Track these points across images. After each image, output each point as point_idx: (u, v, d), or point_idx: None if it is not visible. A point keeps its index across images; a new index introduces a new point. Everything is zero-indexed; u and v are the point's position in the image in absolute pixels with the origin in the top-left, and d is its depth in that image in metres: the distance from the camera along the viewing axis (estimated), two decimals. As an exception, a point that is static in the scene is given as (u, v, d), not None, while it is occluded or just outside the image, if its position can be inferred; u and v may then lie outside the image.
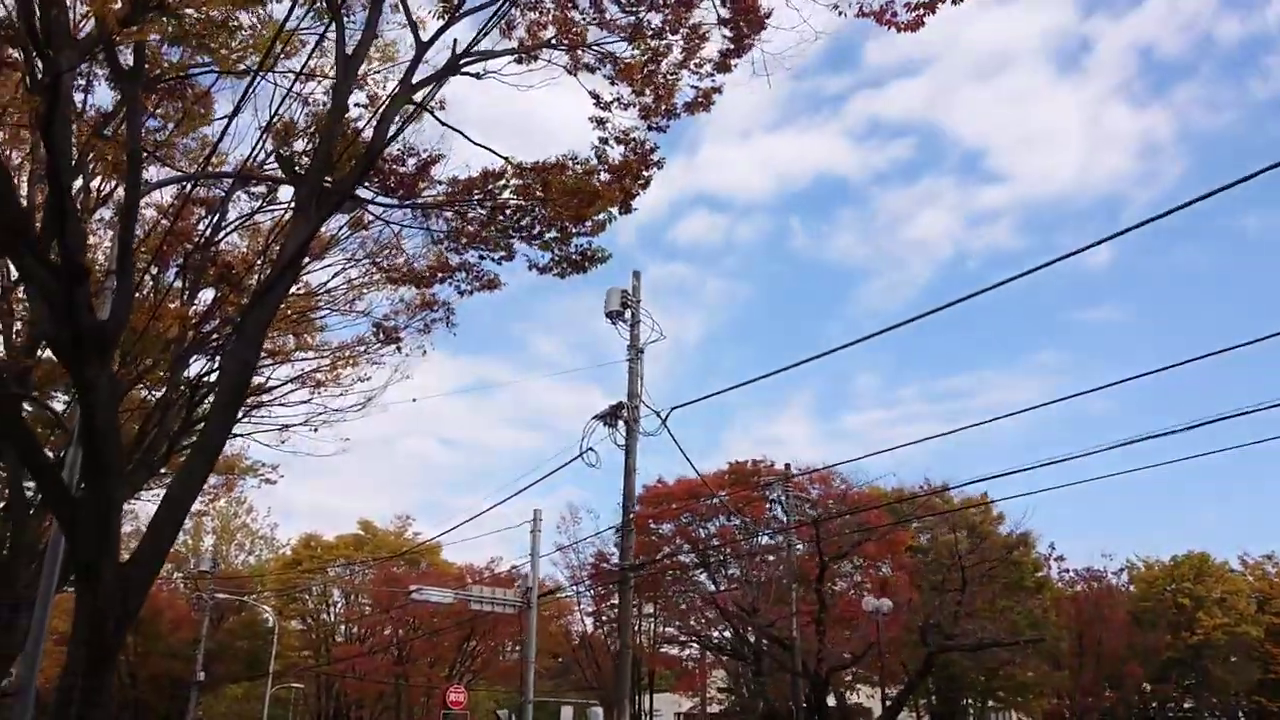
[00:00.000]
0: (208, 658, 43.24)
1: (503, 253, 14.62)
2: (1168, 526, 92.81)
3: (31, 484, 21.30)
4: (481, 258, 13.93)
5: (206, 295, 20.37)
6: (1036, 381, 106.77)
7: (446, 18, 11.43)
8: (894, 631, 31.89)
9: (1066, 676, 44.97)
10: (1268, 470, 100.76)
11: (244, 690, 63.20)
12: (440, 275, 14.44)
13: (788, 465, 31.05)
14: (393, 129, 10.88)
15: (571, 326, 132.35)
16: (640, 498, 43.46)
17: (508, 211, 13.62)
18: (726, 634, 37.71)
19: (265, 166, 15.19)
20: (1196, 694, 52.04)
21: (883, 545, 36.79)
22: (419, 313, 20.57)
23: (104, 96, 29.56)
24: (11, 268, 18.52)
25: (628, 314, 23.46)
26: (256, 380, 21.20)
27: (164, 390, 19.16)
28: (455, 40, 11.59)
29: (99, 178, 17.40)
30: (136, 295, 13.98)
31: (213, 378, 19.78)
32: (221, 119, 16.42)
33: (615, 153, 13.14)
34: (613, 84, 14.10)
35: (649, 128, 14.06)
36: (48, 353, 19.81)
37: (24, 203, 12.02)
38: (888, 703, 32.11)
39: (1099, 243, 11.45)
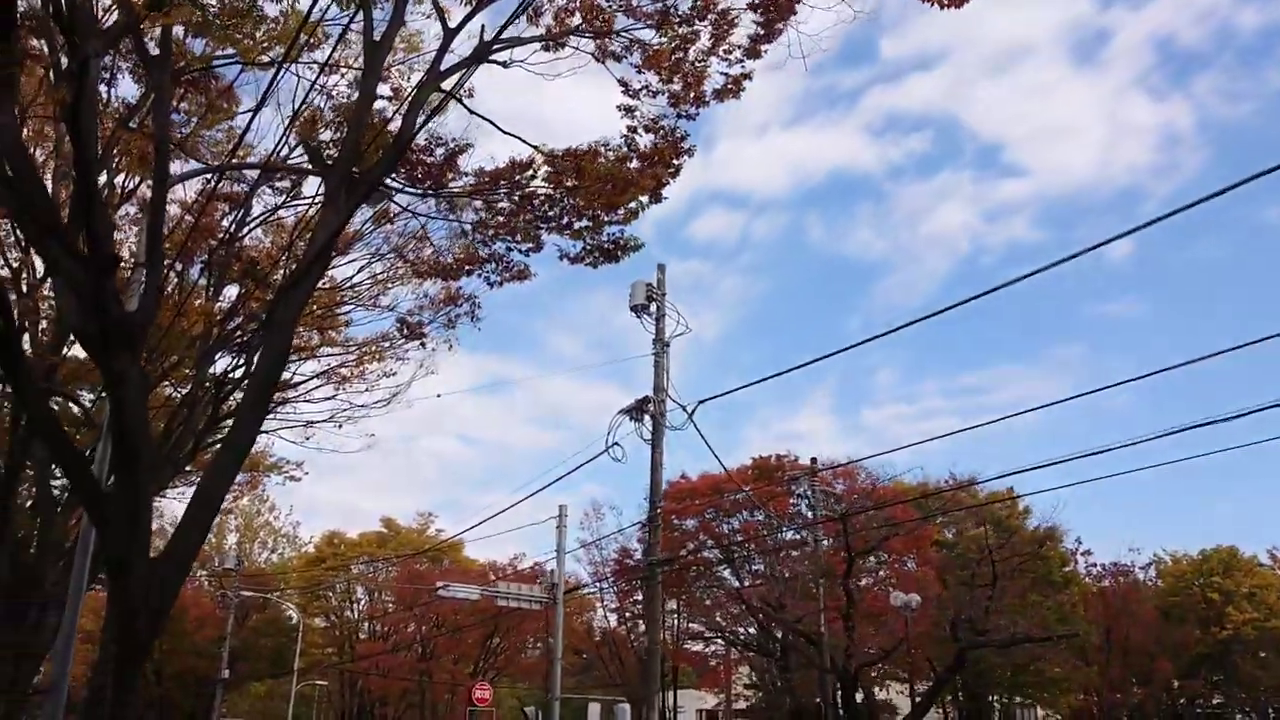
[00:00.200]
0: (232, 655, 43.37)
1: (530, 244, 14.46)
2: (1195, 520, 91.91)
3: (58, 483, 21.34)
4: (509, 249, 13.73)
5: (231, 292, 20.38)
6: (1056, 376, 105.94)
7: (474, 4, 11.24)
8: (921, 627, 31.55)
9: (1094, 672, 44.46)
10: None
11: (267, 688, 63.47)
12: (468, 267, 14.25)
13: (814, 460, 30.78)
14: (422, 117, 10.69)
15: (589, 325, 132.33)
16: (663, 493, 43.34)
17: (536, 202, 13.43)
18: (751, 630, 37.49)
19: (290, 160, 15.05)
20: (1226, 690, 51.37)
21: (908, 540, 36.43)
22: (443, 308, 20.45)
23: (128, 90, 29.61)
24: (38, 264, 18.52)
25: (652, 307, 23.27)
26: (282, 376, 21.14)
27: (189, 387, 19.09)
28: (483, 26, 11.41)
29: (123, 174, 17.36)
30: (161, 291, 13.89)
31: (238, 374, 19.74)
32: (245, 113, 16.36)
33: (644, 140, 12.94)
34: (640, 72, 13.89)
35: (678, 115, 13.85)
36: (74, 350, 19.82)
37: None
38: (917, 699, 31.82)
39: (1119, 236, 11.18)
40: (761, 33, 13.80)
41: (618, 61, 14.06)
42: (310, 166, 12.62)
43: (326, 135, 12.53)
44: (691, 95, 13.78)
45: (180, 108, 14.47)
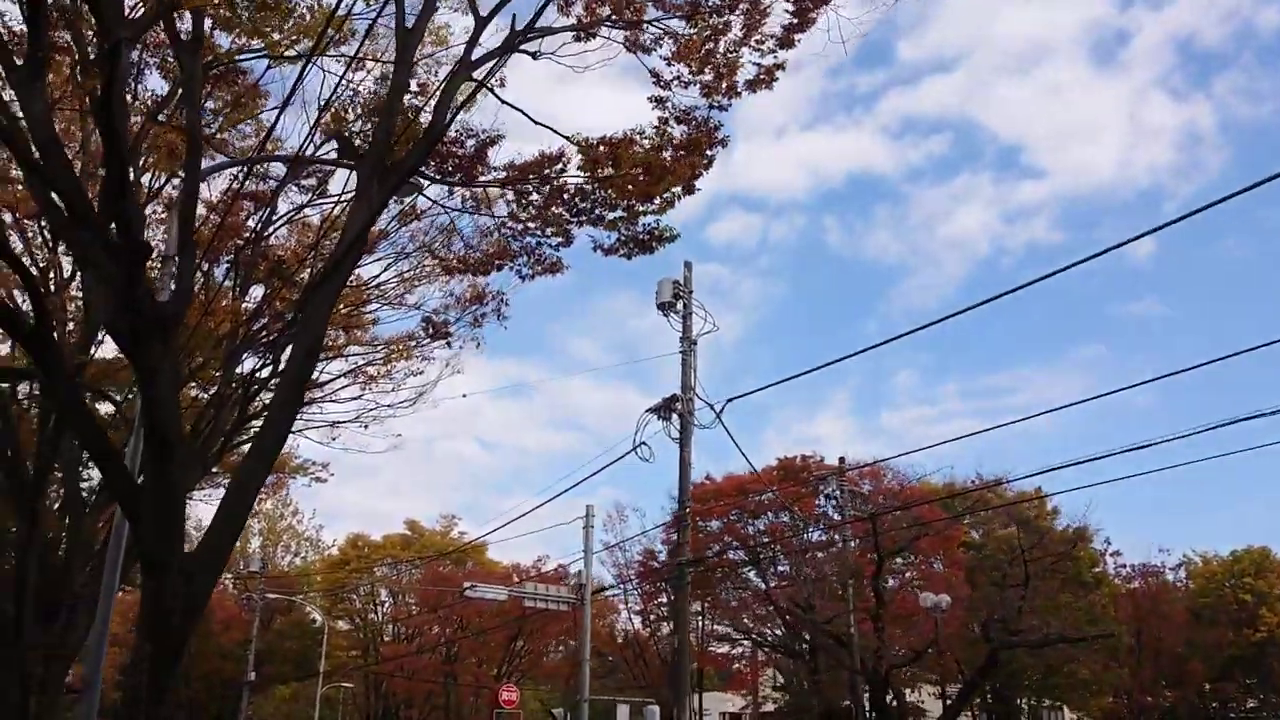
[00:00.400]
0: (257, 658, 43.39)
1: (560, 238, 14.27)
2: (1225, 521, 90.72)
3: (87, 483, 21.35)
4: (539, 243, 13.54)
5: (256, 292, 20.31)
6: (1077, 377, 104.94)
7: (505, -8, 11.07)
8: (950, 628, 31.14)
9: (1125, 674, 43.83)
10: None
11: (292, 691, 63.54)
12: (498, 262, 14.07)
13: (842, 459, 30.45)
14: (454, 107, 10.51)
15: (607, 328, 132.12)
16: (677, 498, 43.04)
17: (566, 195, 13.24)
18: (777, 631, 37.14)
19: (319, 156, 14.92)
20: (1260, 693, 50.56)
21: (935, 541, 36.03)
22: (470, 306, 20.33)
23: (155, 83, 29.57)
24: (65, 264, 18.50)
25: (679, 305, 23.04)
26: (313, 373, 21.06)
27: (216, 387, 19.02)
28: (514, 16, 11.23)
29: (149, 173, 17.29)
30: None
31: (264, 373, 19.67)
32: (271, 109, 16.28)
33: (678, 131, 12.72)
34: (669, 64, 13.68)
35: (710, 106, 13.63)
36: (101, 351, 19.78)
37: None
38: (948, 701, 31.46)
39: (1139, 236, 10.97)
40: (795, 21, 13.57)
41: (647, 53, 13.87)
42: (340, 159, 12.45)
43: (356, 127, 12.36)
44: (724, 86, 13.56)
45: (206, 106, 14.38)
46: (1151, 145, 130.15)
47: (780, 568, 39.13)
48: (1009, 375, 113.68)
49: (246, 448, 24.56)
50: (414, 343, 20.44)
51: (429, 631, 50.63)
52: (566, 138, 12.11)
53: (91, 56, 9.57)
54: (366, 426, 22.66)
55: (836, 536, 35.06)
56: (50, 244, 17.74)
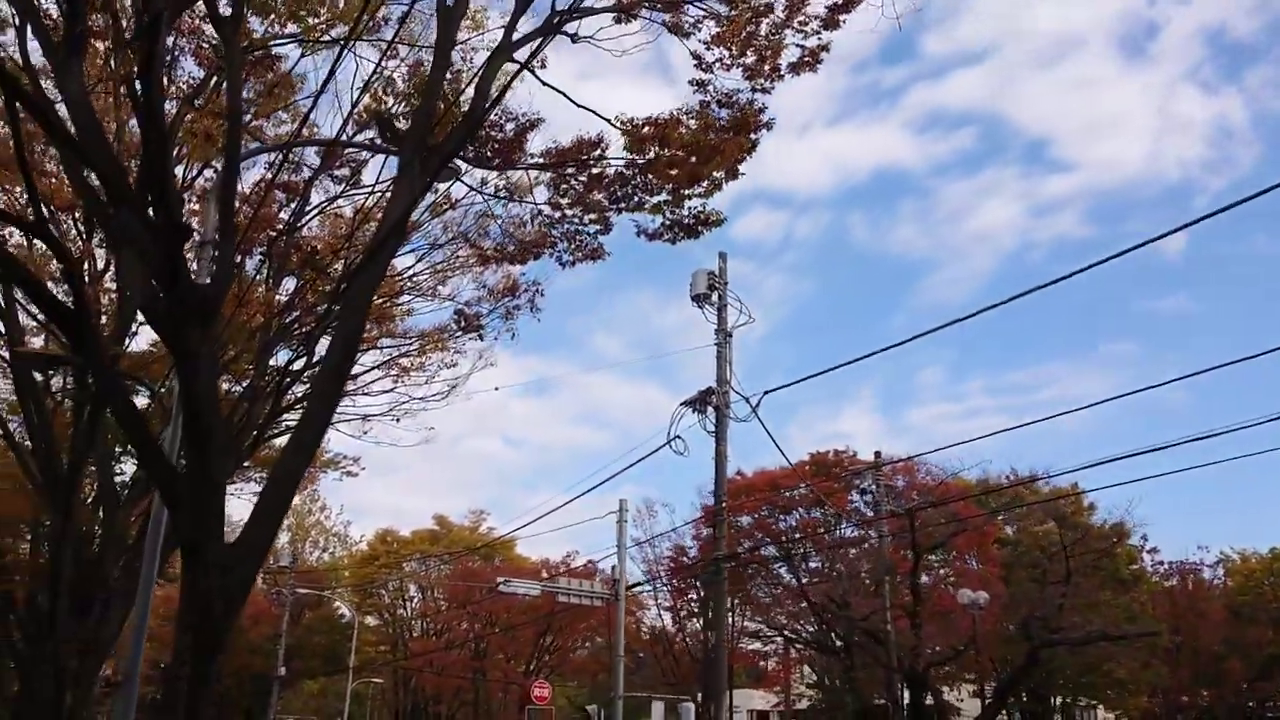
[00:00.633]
0: (286, 653, 43.46)
1: (599, 226, 14.01)
2: (1264, 518, 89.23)
3: (119, 477, 21.31)
4: (578, 231, 13.27)
5: (289, 285, 20.17)
6: (1106, 374, 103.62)
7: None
8: (985, 626, 30.66)
9: (1163, 673, 43.09)
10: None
11: (320, 686, 63.75)
12: (536, 251, 13.81)
13: (877, 454, 30.03)
14: (496, 88, 10.24)
15: (630, 325, 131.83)
16: (713, 492, 42.70)
17: (606, 180, 12.96)
18: (809, 628, 36.74)
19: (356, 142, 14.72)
20: (1300, 693, 49.59)
21: (971, 538, 35.53)
22: (502, 298, 20.11)
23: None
24: (99, 256, 18.42)
25: (714, 296, 22.73)
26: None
27: (249, 380, 18.89)
28: (555, -1, 10.95)
29: (183, 163, 17.16)
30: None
31: (298, 365, 19.53)
32: (306, 99, 16.11)
33: (721, 115, 12.40)
34: (709, 48, 13.36)
35: (753, 89, 13.31)
36: (134, 345, 19.71)
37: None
38: (987, 699, 30.93)
39: (1171, 232, 10.60)
40: (839, 1, 13.22)
41: (686, 37, 13.57)
42: (380, 143, 12.23)
43: (395, 111, 12.12)
44: (766, 68, 13.23)
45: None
46: (1181, 139, 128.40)
47: (812, 564, 38.78)
48: (1037, 372, 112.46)
49: (279, 441, 24.54)
50: (446, 335, 20.23)
51: (458, 627, 50.58)
52: (608, 120, 11.81)
53: (128, 36, 9.37)
54: (399, 420, 22.54)
55: (870, 533, 34.66)
56: (84, 235, 17.65)
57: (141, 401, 19.94)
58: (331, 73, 9.25)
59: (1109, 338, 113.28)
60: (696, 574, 40.38)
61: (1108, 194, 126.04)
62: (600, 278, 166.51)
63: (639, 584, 37.46)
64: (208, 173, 17.29)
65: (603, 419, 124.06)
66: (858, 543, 36.39)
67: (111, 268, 18.02)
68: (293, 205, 18.43)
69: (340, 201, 19.19)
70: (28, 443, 21.59)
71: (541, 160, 12.45)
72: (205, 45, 13.26)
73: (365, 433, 22.92)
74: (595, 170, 13.23)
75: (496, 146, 12.23)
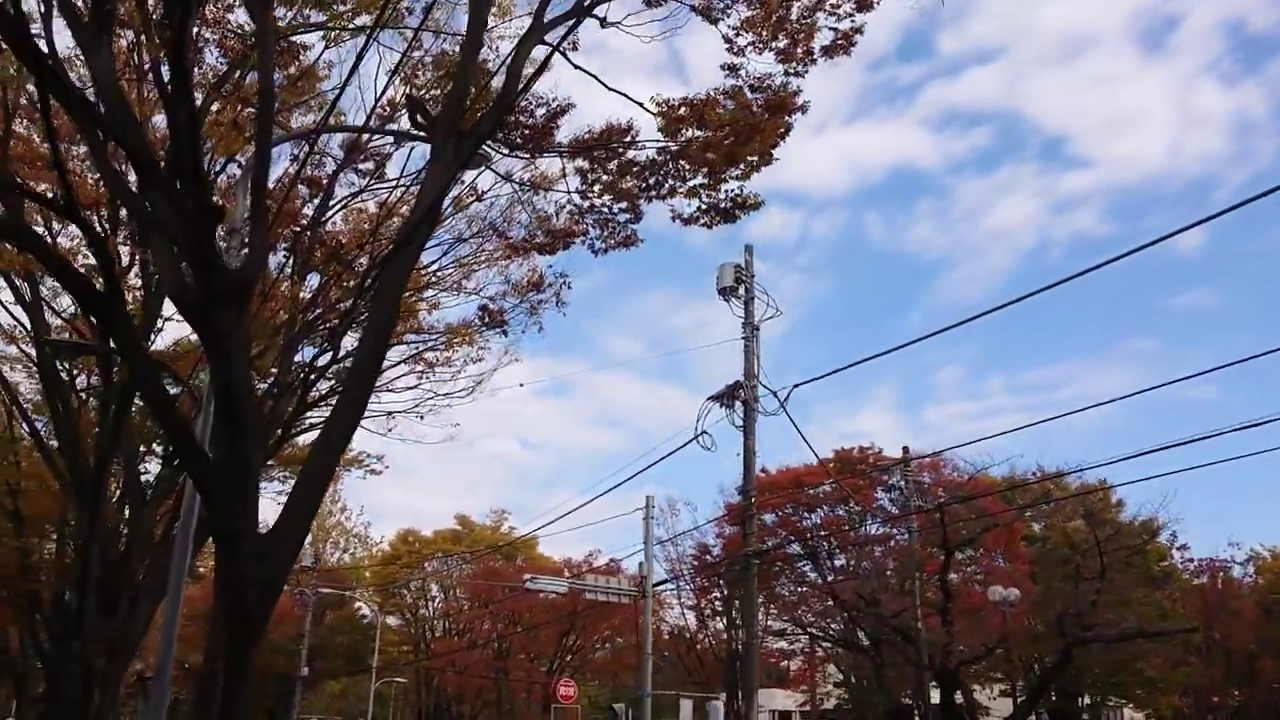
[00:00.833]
0: (309, 653, 43.44)
1: (629, 214, 13.78)
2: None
3: (145, 475, 21.23)
4: (609, 217, 13.04)
5: (312, 281, 20.04)
6: (1128, 370, 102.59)
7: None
8: (1015, 623, 30.25)
9: (1195, 671, 42.48)
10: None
11: (343, 686, 63.77)
12: (566, 241, 13.59)
13: (905, 449, 29.67)
14: (528, 72, 10.03)
15: (644, 326, 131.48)
16: (741, 488, 42.43)
17: (636, 169, 12.72)
18: (834, 627, 36.39)
19: (382, 135, 14.54)
20: (1334, 692, 48.81)
21: (999, 534, 35.09)
22: (527, 293, 19.92)
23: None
24: (122, 253, 18.33)
25: (741, 290, 22.48)
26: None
27: (274, 376, 18.77)
28: (588, -23, 10.71)
29: (209, 156, 17.03)
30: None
31: (323, 361, 19.42)
32: (332, 90, 15.96)
33: (755, 100, 12.14)
34: (739, 33, 13.10)
35: (786, 73, 13.04)
36: (160, 340, 19.61)
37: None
38: (1016, 698, 30.57)
39: (1190, 227, 10.29)
40: (875, -17, 12.93)
41: (715, 22, 13.32)
42: (410, 130, 12.03)
43: (426, 95, 11.92)
44: (799, 52, 12.96)
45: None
46: (1201, 133, 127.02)
47: (837, 562, 38.42)
48: (1057, 369, 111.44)
49: (302, 440, 24.41)
50: (472, 329, 20.08)
51: (480, 627, 50.45)
52: (640, 104, 11.57)
53: (156, 17, 9.21)
54: (423, 417, 22.39)
55: (897, 530, 34.28)
56: (109, 231, 17.55)
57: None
58: (359, 59, 9.10)
59: (1129, 334, 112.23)
60: (720, 572, 40.15)
61: (1127, 190, 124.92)
62: (613, 280, 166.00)
63: (663, 582, 37.18)
64: (231, 168, 17.18)
65: (619, 420, 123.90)
66: (883, 540, 36.03)
67: (135, 264, 17.94)
68: (316, 200, 18.30)
69: (364, 197, 19.09)
70: (53, 442, 21.61)
71: (573, 145, 12.19)
72: (230, 35, 13.10)
73: (389, 430, 22.79)
74: (626, 157, 13.00)
75: (526, 133, 12.01)
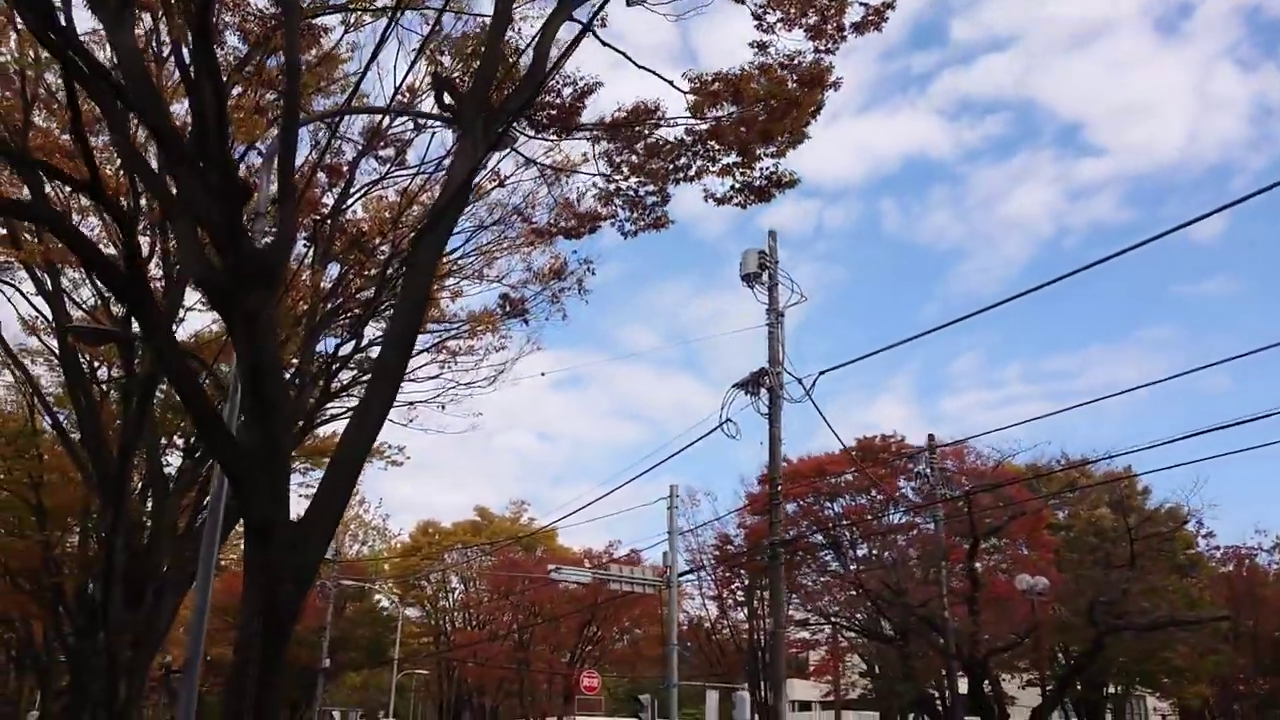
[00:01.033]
0: (330, 645, 43.42)
1: (656, 198, 13.52)
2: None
3: (167, 468, 21.14)
4: (639, 199, 12.78)
5: (332, 273, 19.87)
6: (1146, 359, 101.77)
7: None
8: (1041, 612, 29.89)
9: (1223, 660, 42.01)
10: None
11: (363, 678, 63.88)
12: (592, 225, 13.34)
13: (931, 436, 29.29)
14: (557, 50, 9.77)
15: (659, 317, 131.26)
16: (762, 477, 42.13)
17: (666, 148, 12.45)
18: (858, 617, 36.11)
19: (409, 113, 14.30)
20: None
21: (1023, 522, 34.70)
22: (549, 281, 19.72)
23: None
24: (142, 246, 18.18)
25: (764, 276, 22.21)
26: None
27: (296, 365, 18.62)
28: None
29: (230, 142, 16.86)
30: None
31: (345, 350, 19.26)
32: (354, 75, 15.76)
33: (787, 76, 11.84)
34: (767, 10, 12.80)
35: (816, 51, 12.74)
36: (179, 332, 19.46)
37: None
38: (1043, 688, 30.18)
39: (1210, 214, 9.92)
40: (906, -44, 12.60)
41: (741, 1, 13.04)
42: (435, 111, 11.80)
43: (454, 74, 11.68)
44: (830, 28, 12.66)
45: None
46: (1220, 118, 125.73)
47: (859, 552, 38.11)
48: (1074, 358, 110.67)
49: (322, 431, 24.27)
50: (495, 317, 19.88)
51: (500, 618, 50.39)
52: (669, 82, 11.29)
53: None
54: (444, 407, 22.23)
55: (921, 518, 33.93)
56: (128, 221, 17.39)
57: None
58: (383, 38, 8.86)
59: (1147, 322, 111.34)
60: (743, 562, 39.90)
61: (1144, 177, 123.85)
62: (626, 272, 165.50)
63: (688, 572, 36.99)
64: (251, 156, 17.00)
65: (634, 413, 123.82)
66: (907, 529, 35.71)
67: (156, 253, 17.79)
68: (337, 189, 18.11)
69: (384, 184, 18.89)
70: (75, 435, 21.55)
71: (603, 124, 11.93)
72: (250, 18, 12.89)
73: (411, 420, 22.64)
74: (654, 138, 12.72)
75: (553, 113, 11.75)
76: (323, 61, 15.12)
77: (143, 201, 16.33)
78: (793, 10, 12.60)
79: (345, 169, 17.83)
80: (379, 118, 16.71)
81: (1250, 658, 43.43)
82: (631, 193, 13.13)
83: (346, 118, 16.28)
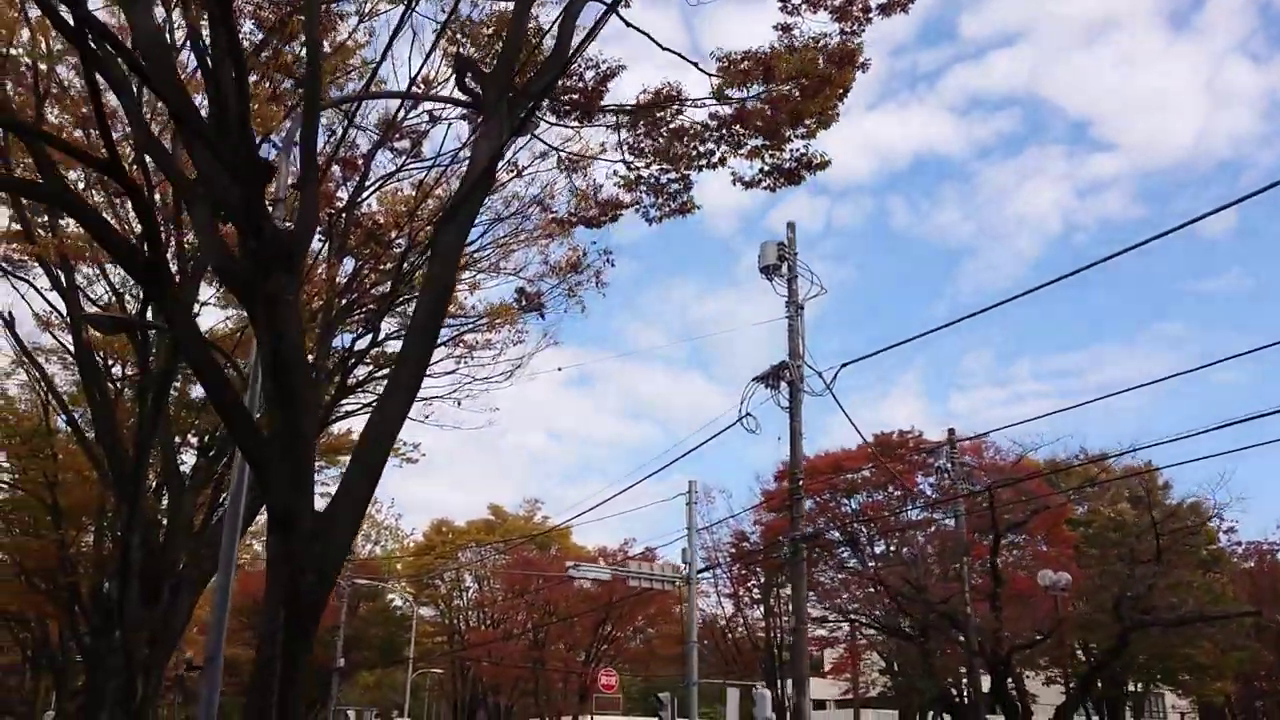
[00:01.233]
0: (344, 645, 43.31)
1: (678, 184, 13.26)
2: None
3: (184, 465, 20.99)
4: (659, 186, 12.53)
5: (346, 268, 19.69)
6: (1158, 354, 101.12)
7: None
8: (1063, 609, 29.54)
9: (1247, 656, 41.55)
10: None
11: (376, 677, 63.76)
12: (614, 214, 13.09)
13: (951, 430, 28.97)
14: (582, 31, 9.52)
15: (669, 316, 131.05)
16: (778, 474, 41.83)
17: (690, 133, 12.19)
18: (876, 614, 35.80)
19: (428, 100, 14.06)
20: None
21: (1043, 518, 34.34)
22: (566, 274, 19.49)
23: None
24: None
25: (784, 268, 21.96)
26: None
27: (312, 360, 18.44)
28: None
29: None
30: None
31: (363, 344, 19.09)
32: (371, 64, 15.55)
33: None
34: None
35: (842, 32, 12.47)
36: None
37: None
38: (1062, 685, 29.87)
39: (1219, 210, 9.63)
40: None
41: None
42: (454, 96, 11.56)
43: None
44: (855, 10, 12.38)
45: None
46: (1231, 113, 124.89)
47: (877, 548, 37.80)
48: (1085, 355, 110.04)
49: (336, 428, 24.08)
50: (513, 310, 19.68)
51: (515, 617, 50.18)
52: (694, 64, 11.03)
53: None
54: (459, 403, 22.03)
55: (939, 514, 33.58)
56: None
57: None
58: (399, 26, 8.61)
59: (1160, 318, 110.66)
60: (759, 560, 39.61)
61: (1155, 172, 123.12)
62: (635, 272, 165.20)
63: (707, 569, 36.72)
64: (265, 149, 16.81)
65: (643, 412, 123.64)
66: (926, 525, 35.37)
67: (171, 247, 17.62)
68: (351, 183, 17.93)
69: (399, 177, 18.70)
70: (89, 434, 21.43)
71: (626, 109, 11.67)
72: (265, 5, 12.67)
73: (427, 417, 22.45)
74: (677, 123, 12.47)
75: (575, 98, 11.51)
76: (337, 50, 14.94)
77: (156, 197, 16.17)
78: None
79: (360, 161, 17.65)
80: (394, 109, 16.52)
81: (1274, 654, 42.96)
82: (653, 179, 12.86)
83: (363, 107, 16.11)
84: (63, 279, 17.82)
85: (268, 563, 7.90)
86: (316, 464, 24.51)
